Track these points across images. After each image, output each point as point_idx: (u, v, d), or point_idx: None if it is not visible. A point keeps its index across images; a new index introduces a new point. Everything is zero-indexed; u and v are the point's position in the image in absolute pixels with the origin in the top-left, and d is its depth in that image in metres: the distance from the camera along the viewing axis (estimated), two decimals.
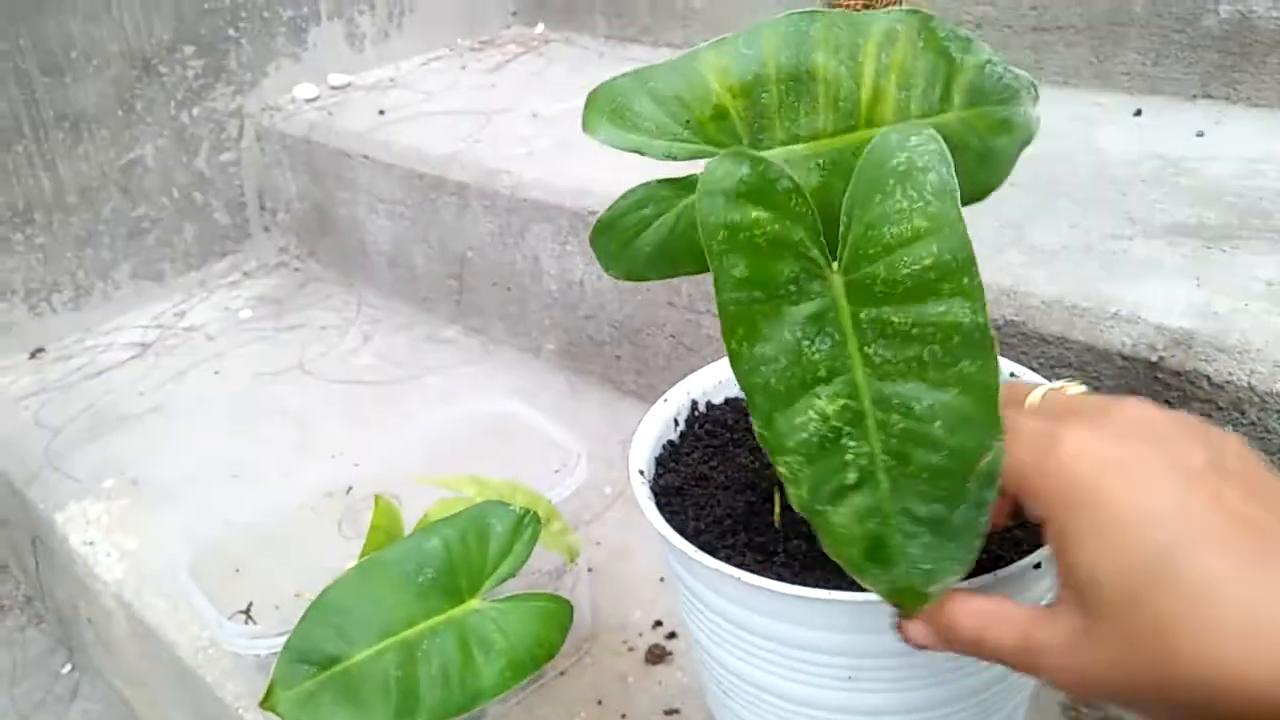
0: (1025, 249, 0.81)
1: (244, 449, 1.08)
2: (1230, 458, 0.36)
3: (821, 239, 0.42)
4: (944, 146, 0.40)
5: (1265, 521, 0.33)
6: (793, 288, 0.41)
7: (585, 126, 0.46)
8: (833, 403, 0.41)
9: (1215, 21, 1.02)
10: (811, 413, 0.41)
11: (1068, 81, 1.13)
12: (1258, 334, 0.68)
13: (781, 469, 0.42)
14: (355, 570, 0.49)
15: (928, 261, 0.39)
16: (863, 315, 0.41)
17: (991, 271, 0.79)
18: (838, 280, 0.42)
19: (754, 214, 0.40)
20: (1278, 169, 0.90)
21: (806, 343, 0.41)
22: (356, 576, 0.49)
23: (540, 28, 1.62)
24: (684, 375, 0.66)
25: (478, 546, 0.50)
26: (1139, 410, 0.38)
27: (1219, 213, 0.84)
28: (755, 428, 0.42)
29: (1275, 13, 0.98)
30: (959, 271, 0.39)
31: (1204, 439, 0.37)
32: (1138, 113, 1.05)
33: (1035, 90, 0.46)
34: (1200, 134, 0.98)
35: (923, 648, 0.42)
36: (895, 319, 0.40)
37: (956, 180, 0.40)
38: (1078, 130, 1.02)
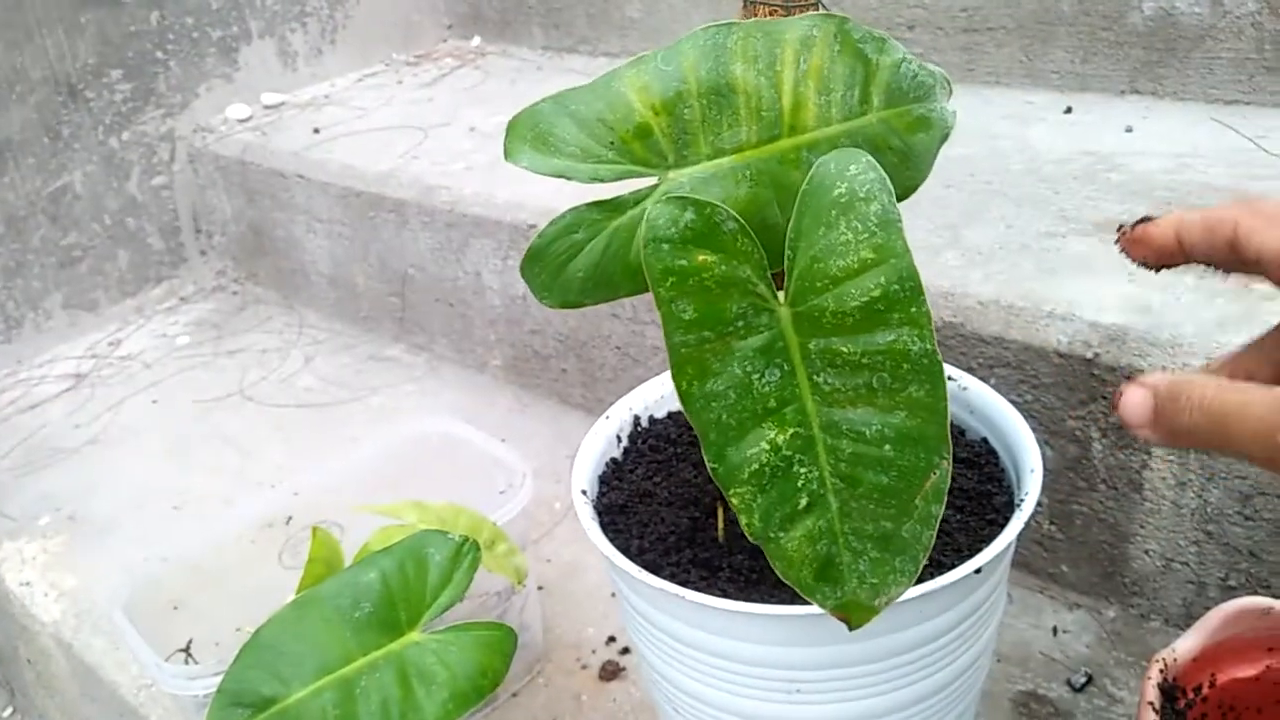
0: (961, 250, 0.82)
1: (184, 479, 1.06)
2: None
3: (768, 274, 0.42)
4: (883, 174, 0.40)
5: None
6: (741, 323, 0.41)
7: (507, 155, 0.45)
8: (783, 432, 0.41)
9: (1140, 18, 1.04)
10: (763, 443, 0.41)
11: (999, 81, 1.14)
12: (1189, 326, 0.69)
13: (734, 501, 0.42)
14: (290, 607, 0.48)
15: (876, 293, 0.39)
16: (811, 346, 0.41)
17: (929, 274, 0.79)
18: (785, 313, 0.42)
19: (701, 258, 0.41)
20: (1205, 162, 0.91)
21: (756, 375, 0.41)
22: (291, 614, 0.47)
23: (476, 40, 1.61)
24: (631, 387, 0.65)
25: (416, 577, 0.49)
26: None
27: (1150, 207, 0.85)
28: (707, 463, 0.42)
29: (1197, 9, 1.00)
30: (907, 301, 0.39)
31: None
32: (1068, 110, 1.06)
33: (949, 85, 0.46)
34: (1129, 129, 1.00)
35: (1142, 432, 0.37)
36: (844, 349, 0.40)
37: (898, 209, 0.40)
38: (1010, 129, 1.03)
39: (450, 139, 1.24)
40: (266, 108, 1.43)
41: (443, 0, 1.63)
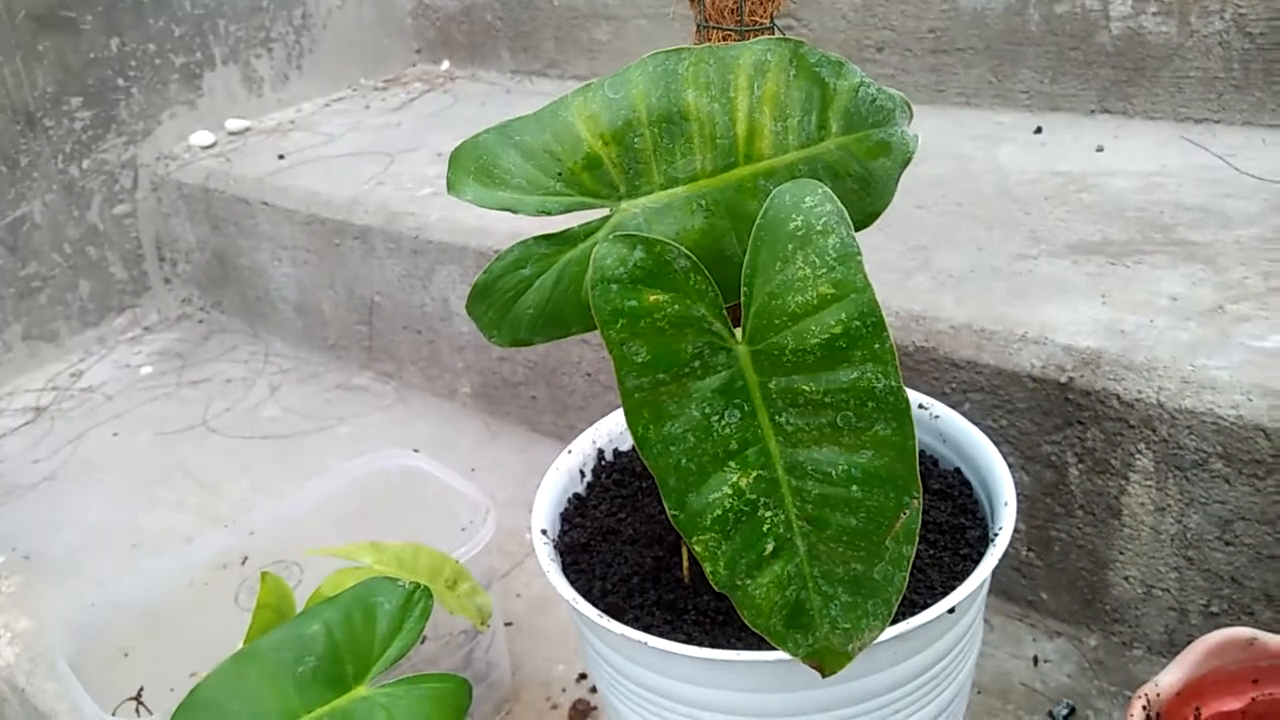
0: (933, 273, 0.81)
1: (144, 516, 1.03)
2: None
3: (724, 312, 0.40)
4: (840, 206, 0.39)
5: None
6: (697, 363, 0.39)
7: (450, 188, 0.43)
8: (746, 475, 0.39)
9: (1108, 38, 1.03)
10: (725, 487, 0.39)
11: (969, 102, 1.13)
12: (1164, 350, 0.67)
13: (698, 549, 0.40)
14: (230, 661, 0.45)
15: (837, 329, 0.38)
16: (772, 385, 0.39)
17: (900, 297, 0.78)
18: (743, 351, 0.40)
19: (652, 298, 0.39)
20: (1176, 182, 0.90)
21: (715, 417, 0.39)
22: (232, 669, 0.45)
23: (445, 64, 1.60)
24: (602, 413, 0.64)
25: (364, 628, 0.46)
26: None
27: (1121, 228, 0.84)
28: (668, 510, 0.40)
29: (1165, 28, 1.00)
30: (870, 337, 0.38)
31: None
32: (1038, 130, 1.05)
33: (909, 108, 0.45)
34: (1100, 149, 0.99)
35: None
36: (806, 387, 0.38)
37: (857, 241, 0.38)
38: (980, 150, 1.02)
39: (417, 164, 1.22)
40: (231, 134, 1.41)
41: (411, 25, 1.61)
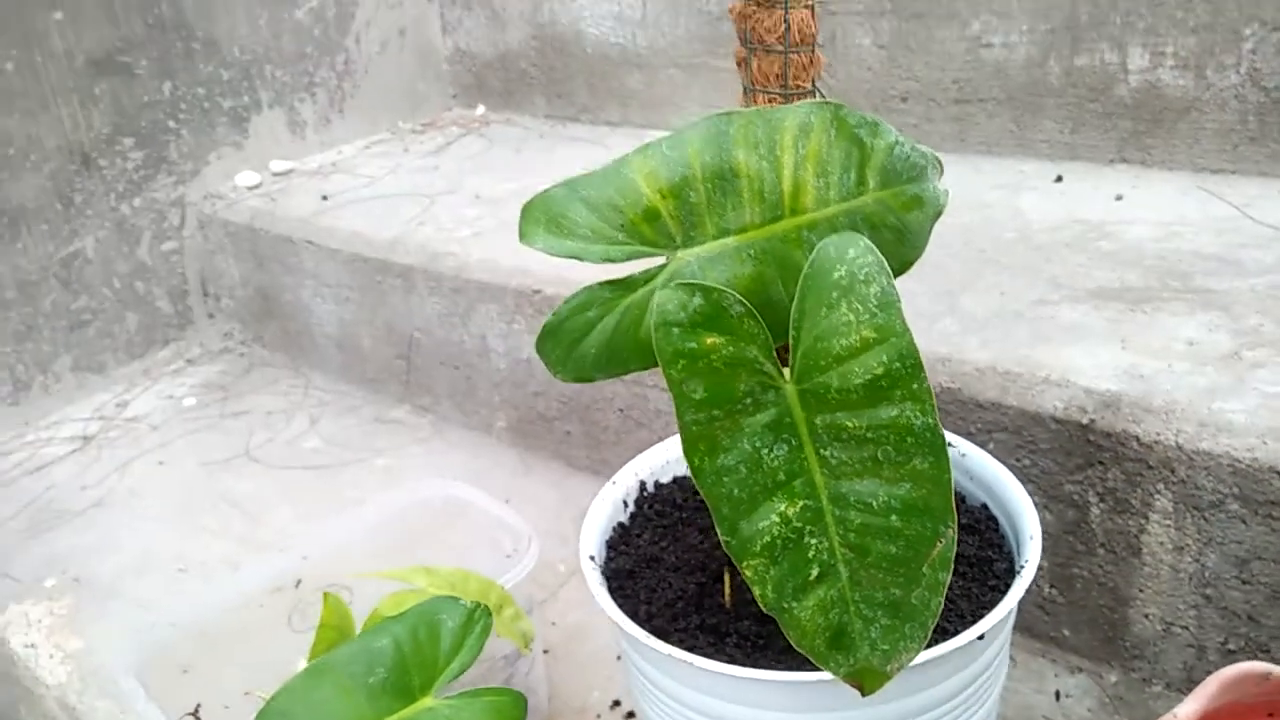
0: (958, 317, 0.84)
1: (189, 542, 1.06)
2: None
3: (773, 353, 0.44)
4: (881, 257, 0.42)
5: None
6: (749, 400, 0.43)
7: (522, 237, 0.47)
8: (793, 504, 0.42)
9: (1127, 90, 1.07)
10: (774, 515, 0.42)
11: (991, 150, 1.17)
12: (1182, 393, 0.70)
13: (748, 573, 0.43)
14: (303, 675, 0.49)
15: (879, 370, 0.41)
16: (818, 421, 0.43)
17: (927, 340, 0.81)
18: (791, 389, 0.44)
19: (709, 340, 0.43)
20: (1193, 230, 0.94)
21: (765, 450, 0.43)
22: (304, 681, 0.48)
23: (481, 109, 1.65)
24: (634, 449, 0.67)
25: (429, 643, 0.50)
26: None
27: (1140, 275, 0.87)
28: (720, 537, 0.43)
29: (1182, 81, 1.03)
30: (908, 378, 0.41)
31: None
32: (1059, 179, 1.09)
33: (940, 165, 0.49)
34: (1119, 197, 1.03)
35: None
36: (849, 423, 0.42)
37: (897, 289, 0.42)
38: (1002, 198, 1.06)
39: (456, 205, 1.27)
40: (275, 175, 1.46)
41: (448, 70, 1.67)
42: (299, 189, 1.41)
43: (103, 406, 1.35)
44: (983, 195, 1.07)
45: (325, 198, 1.35)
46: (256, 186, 1.43)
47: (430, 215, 1.25)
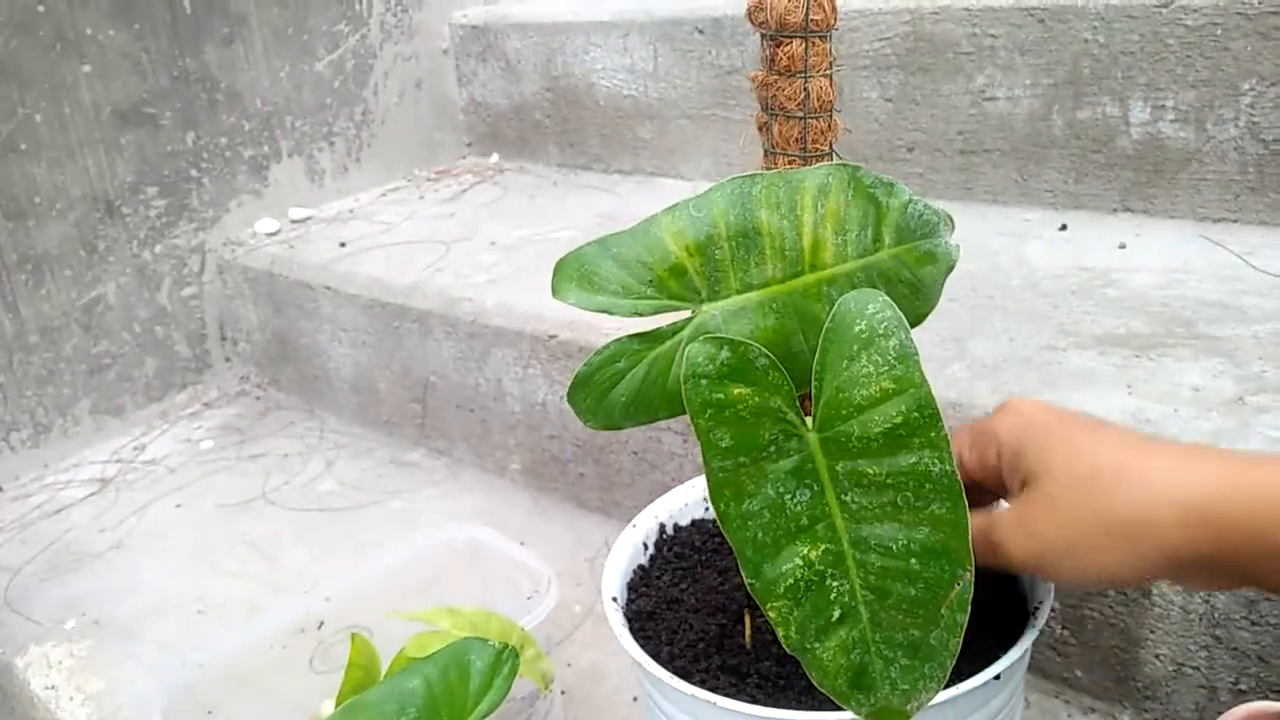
0: (968, 362, 0.86)
1: (208, 583, 1.08)
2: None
3: (796, 403, 0.46)
4: (899, 312, 0.45)
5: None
6: (773, 448, 0.45)
7: (555, 293, 0.49)
8: (815, 548, 0.44)
9: (1129, 142, 1.10)
10: (797, 559, 0.44)
11: (996, 199, 1.19)
12: (1188, 438, 0.72)
13: (771, 614, 0.45)
14: (338, 715, 0.50)
15: (898, 419, 0.43)
16: (839, 468, 0.44)
17: (937, 385, 0.82)
18: (813, 437, 0.46)
19: (736, 391, 0.45)
20: (1196, 278, 0.96)
21: (788, 495, 0.45)
22: None
23: (495, 157, 1.69)
24: (648, 491, 0.69)
25: (459, 683, 0.51)
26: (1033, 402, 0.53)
27: (1145, 322, 0.89)
28: (745, 579, 0.45)
29: (1183, 133, 1.06)
30: (926, 426, 0.43)
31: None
32: (1063, 227, 1.11)
33: (951, 221, 0.51)
34: (1123, 246, 1.05)
35: None
36: (869, 470, 0.44)
37: (915, 343, 0.44)
38: (1008, 245, 1.08)
39: (472, 252, 1.29)
40: (294, 222, 1.50)
41: (464, 120, 1.71)
42: (317, 235, 1.43)
43: (120, 449, 1.36)
44: (989, 243, 1.09)
45: (343, 244, 1.38)
46: (275, 233, 1.46)
47: (447, 261, 1.28)
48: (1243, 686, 0.72)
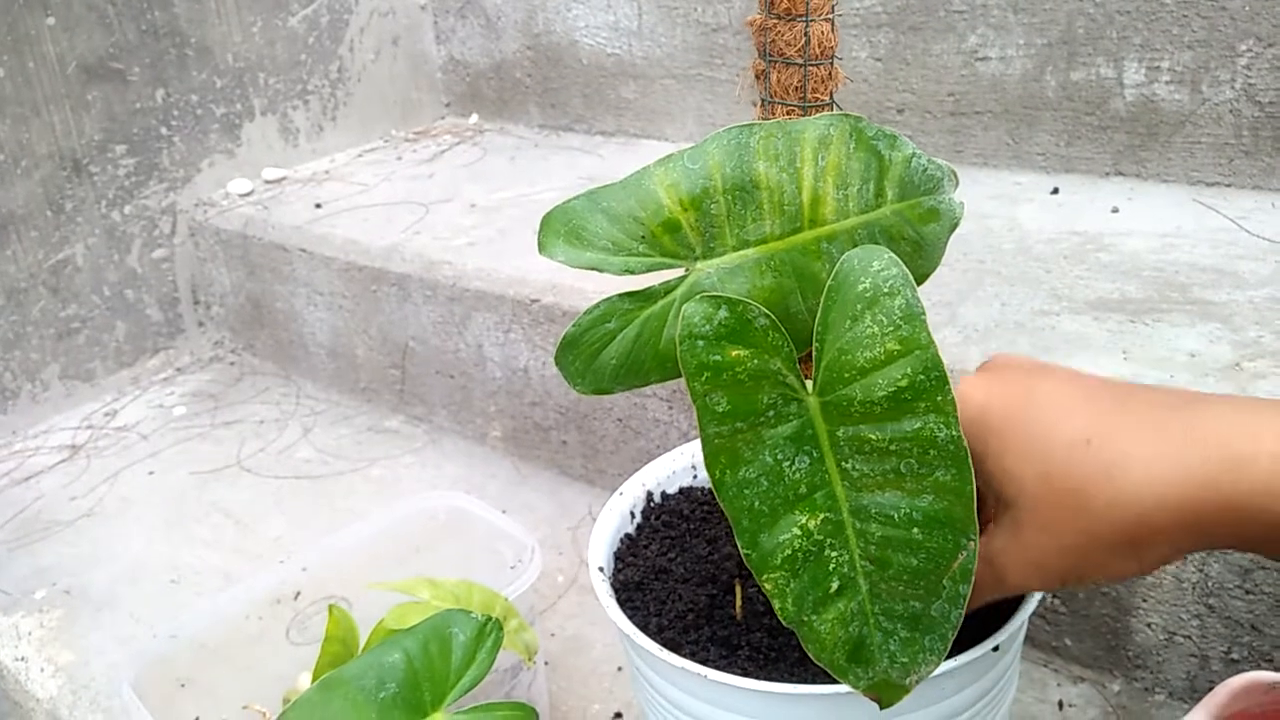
0: (959, 328, 0.84)
1: (181, 552, 1.05)
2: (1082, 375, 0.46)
3: (796, 365, 0.44)
4: (905, 270, 0.42)
5: (1150, 403, 0.43)
6: (771, 413, 0.42)
7: (542, 249, 0.47)
8: (814, 517, 0.42)
9: (1122, 104, 1.08)
10: (795, 529, 0.42)
11: (987, 162, 1.17)
12: None
13: (768, 586, 0.43)
14: (315, 690, 0.48)
15: (903, 382, 0.41)
16: (840, 433, 0.42)
17: None
18: (814, 402, 0.43)
19: (733, 353, 0.42)
20: (1190, 243, 0.94)
21: (787, 463, 0.42)
22: (315, 696, 0.48)
23: (474, 118, 1.65)
24: (632, 459, 0.66)
25: (440, 657, 0.49)
26: (1007, 357, 0.48)
27: (1139, 286, 0.88)
28: (740, 549, 0.43)
29: (1177, 96, 1.04)
30: (933, 390, 0.41)
31: (1054, 366, 0.47)
32: (1055, 191, 1.10)
33: (956, 177, 0.49)
34: (1115, 210, 1.03)
35: None
36: (872, 436, 0.42)
37: (921, 302, 0.42)
38: (1000, 209, 1.07)
39: (452, 215, 1.26)
40: (268, 183, 1.46)
41: (442, 79, 1.67)
42: (292, 197, 1.40)
43: (91, 415, 1.33)
44: (980, 207, 1.07)
45: (319, 206, 1.34)
46: (249, 194, 1.42)
47: (425, 224, 1.24)
48: (1235, 656, 0.72)
